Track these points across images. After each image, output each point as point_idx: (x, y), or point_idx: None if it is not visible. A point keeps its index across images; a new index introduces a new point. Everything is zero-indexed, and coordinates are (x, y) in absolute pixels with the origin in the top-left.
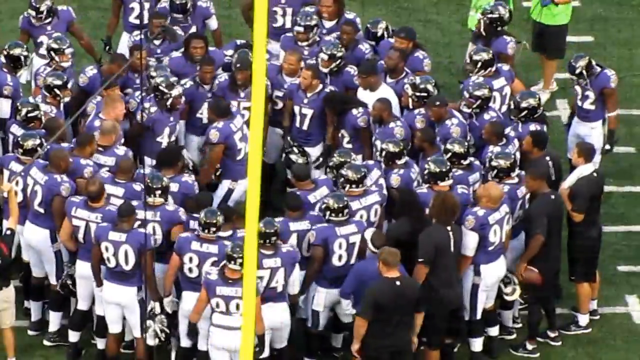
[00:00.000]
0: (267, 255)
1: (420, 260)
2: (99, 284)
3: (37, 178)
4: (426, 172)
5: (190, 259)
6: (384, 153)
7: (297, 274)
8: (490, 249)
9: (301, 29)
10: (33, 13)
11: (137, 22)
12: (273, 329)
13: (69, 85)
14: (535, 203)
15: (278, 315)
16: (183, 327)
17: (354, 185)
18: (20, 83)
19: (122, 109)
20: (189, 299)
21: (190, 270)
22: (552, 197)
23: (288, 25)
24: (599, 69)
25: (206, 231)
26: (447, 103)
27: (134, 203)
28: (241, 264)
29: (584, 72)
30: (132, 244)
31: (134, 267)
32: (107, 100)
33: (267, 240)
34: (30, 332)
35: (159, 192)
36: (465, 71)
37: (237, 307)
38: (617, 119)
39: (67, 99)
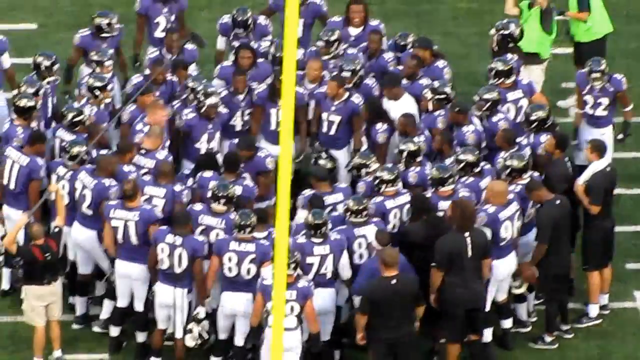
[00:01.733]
0: (317, 243)
1: (433, 265)
2: (155, 280)
3: (86, 182)
4: (429, 177)
5: (230, 259)
6: (404, 154)
7: (346, 260)
8: (502, 244)
9: (322, 44)
10: (105, 22)
11: (163, 35)
12: (319, 315)
13: (109, 88)
14: (542, 211)
15: (327, 300)
16: (221, 323)
17: (389, 185)
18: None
19: (164, 115)
20: (229, 298)
21: (229, 269)
22: (557, 201)
23: (299, 35)
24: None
25: (242, 232)
26: (467, 110)
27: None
28: (295, 268)
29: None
30: (187, 249)
31: (185, 270)
32: (150, 106)
33: (318, 231)
34: (74, 326)
35: (223, 200)
36: (488, 79)
37: (292, 309)
38: (632, 112)
39: (107, 100)
